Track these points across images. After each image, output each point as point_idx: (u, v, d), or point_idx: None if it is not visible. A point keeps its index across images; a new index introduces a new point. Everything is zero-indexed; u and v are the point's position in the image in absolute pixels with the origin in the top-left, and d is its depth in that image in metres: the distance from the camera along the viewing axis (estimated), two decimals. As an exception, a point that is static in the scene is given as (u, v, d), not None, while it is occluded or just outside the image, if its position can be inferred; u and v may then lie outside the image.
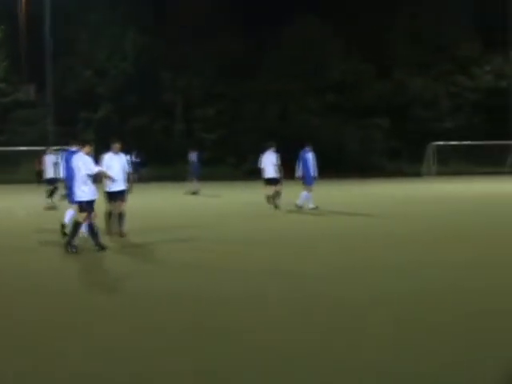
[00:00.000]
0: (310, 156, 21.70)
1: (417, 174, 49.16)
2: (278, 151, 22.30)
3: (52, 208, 22.55)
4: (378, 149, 55.05)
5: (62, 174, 15.73)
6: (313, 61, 55.33)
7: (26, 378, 5.81)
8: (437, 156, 51.63)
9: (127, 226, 15.31)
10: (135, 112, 54.01)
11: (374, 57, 56.09)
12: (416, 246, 13.29)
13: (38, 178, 43.12)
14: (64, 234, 14.44)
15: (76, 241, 12.95)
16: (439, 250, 12.56)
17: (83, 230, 13.71)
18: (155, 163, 48.44)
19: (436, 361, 5.95)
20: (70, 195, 14.49)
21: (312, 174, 21.60)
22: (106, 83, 55.58)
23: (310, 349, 6.37)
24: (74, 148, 14.82)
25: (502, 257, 11.78)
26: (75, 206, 13.65)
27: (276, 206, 21.72)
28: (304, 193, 21.54)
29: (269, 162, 22.16)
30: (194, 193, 30.32)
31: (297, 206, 21.47)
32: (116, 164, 15.16)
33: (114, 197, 15.03)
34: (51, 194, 23.97)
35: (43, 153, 28.40)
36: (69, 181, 14.44)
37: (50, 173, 23.83)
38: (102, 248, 12.95)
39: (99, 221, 13.99)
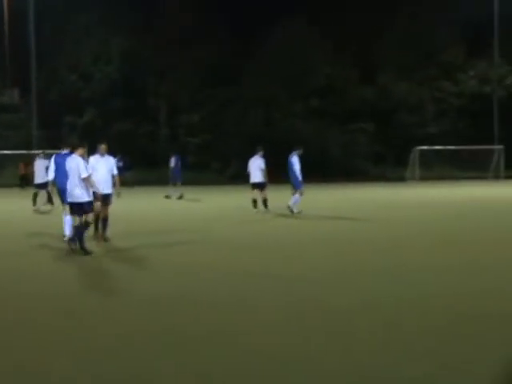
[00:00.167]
0: (296, 160, 21.66)
1: (401, 179, 49.38)
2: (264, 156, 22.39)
3: (40, 212, 22.59)
4: (363, 153, 55.27)
5: (51, 177, 15.47)
6: (297, 66, 55.46)
7: (25, 379, 5.82)
8: (421, 161, 51.85)
9: (112, 230, 15.24)
10: (120, 116, 53.92)
11: (358, 61, 56.36)
12: (402, 250, 13.37)
13: (21, 182, 43.08)
14: (69, 242, 14.34)
15: (85, 243, 13.08)
16: (426, 255, 12.62)
17: (67, 232, 13.72)
18: (140, 167, 48.40)
19: (428, 364, 5.98)
20: (63, 197, 14.46)
21: (299, 177, 21.53)
22: (91, 87, 55.45)
23: (305, 353, 6.39)
24: (64, 151, 14.81)
25: (488, 260, 11.87)
26: (67, 207, 13.68)
27: (257, 210, 21.83)
28: (296, 196, 21.52)
29: (256, 167, 22.19)
30: (181, 197, 30.31)
31: (292, 211, 21.35)
32: (102, 167, 14.94)
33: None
34: (35, 198, 23.97)
35: (30, 157, 28.26)
36: (61, 184, 14.41)
37: (41, 177, 23.48)
38: (86, 252, 12.92)
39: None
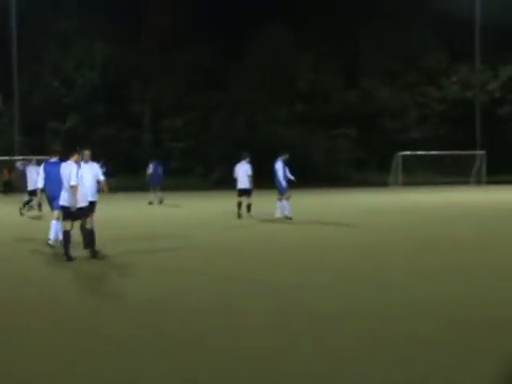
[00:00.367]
0: (280, 165, 21.76)
1: (383, 184, 49.53)
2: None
3: (27, 217, 22.67)
4: (345, 158, 55.46)
5: (40, 185, 15.39)
6: (281, 71, 55.61)
7: (26, 379, 5.90)
8: (403, 166, 52.07)
9: (97, 236, 15.16)
10: (103, 122, 53.83)
11: (341, 67, 56.56)
12: (386, 256, 13.46)
13: (5, 188, 42.85)
14: (50, 245, 14.41)
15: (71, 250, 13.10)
16: (409, 261, 12.76)
17: (60, 236, 13.74)
18: (123, 173, 48.27)
19: (413, 370, 6.08)
20: (52, 204, 14.53)
21: (282, 182, 21.62)
22: (73, 93, 55.33)
23: (293, 358, 6.47)
24: (53, 159, 14.83)
25: (471, 266, 12.00)
26: (56, 213, 13.77)
27: (240, 216, 22.01)
28: (283, 202, 21.64)
29: (243, 173, 22.27)
30: (161, 202, 30.42)
31: (287, 217, 21.41)
32: (87, 174, 14.14)
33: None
34: (26, 203, 24.00)
35: (12, 163, 28.20)
36: (51, 191, 14.43)
37: (32, 184, 23.28)
38: (69, 259, 12.93)
39: (75, 231, 13.86)
